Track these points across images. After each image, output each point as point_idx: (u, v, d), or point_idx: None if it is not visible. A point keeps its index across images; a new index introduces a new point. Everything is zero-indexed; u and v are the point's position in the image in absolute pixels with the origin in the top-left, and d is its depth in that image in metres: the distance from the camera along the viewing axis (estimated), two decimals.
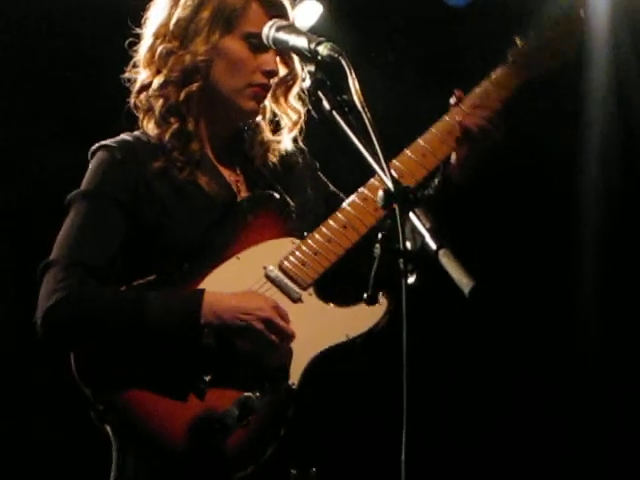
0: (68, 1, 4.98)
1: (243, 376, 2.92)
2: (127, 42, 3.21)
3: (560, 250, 5.72)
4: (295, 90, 3.23)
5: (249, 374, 2.93)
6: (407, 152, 3.15)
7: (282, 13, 3.11)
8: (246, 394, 2.89)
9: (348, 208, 3.09)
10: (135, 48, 3.20)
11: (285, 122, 3.26)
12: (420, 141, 3.17)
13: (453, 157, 3.17)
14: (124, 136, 3.15)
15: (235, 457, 2.87)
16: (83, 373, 2.92)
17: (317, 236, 3.06)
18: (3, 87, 5.03)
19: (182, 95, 3.10)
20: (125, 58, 3.23)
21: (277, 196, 3.15)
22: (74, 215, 3.04)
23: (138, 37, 3.21)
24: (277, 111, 3.25)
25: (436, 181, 3.19)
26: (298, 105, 3.24)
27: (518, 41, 3.27)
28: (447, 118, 3.19)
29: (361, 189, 3.10)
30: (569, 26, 3.29)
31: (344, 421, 5.36)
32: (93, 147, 3.13)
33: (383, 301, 3.00)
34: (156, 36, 3.14)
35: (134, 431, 2.90)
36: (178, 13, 3.11)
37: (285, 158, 3.29)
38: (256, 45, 3.08)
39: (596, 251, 5.70)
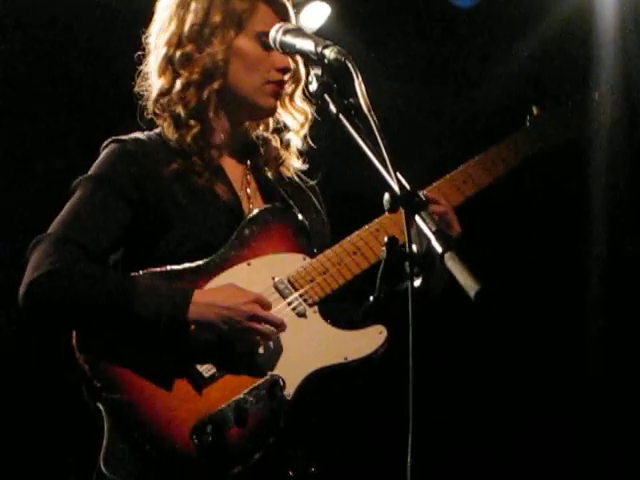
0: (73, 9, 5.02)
1: (241, 376, 2.95)
2: (136, 55, 3.25)
3: (567, 247, 5.72)
4: (300, 90, 3.26)
5: (248, 374, 2.96)
6: (446, 179, 3.24)
7: (287, 12, 3.19)
8: (242, 396, 2.93)
9: (360, 236, 3.15)
10: (141, 61, 3.25)
11: (292, 124, 3.28)
12: (451, 175, 3.27)
13: None
14: (136, 134, 3.18)
15: (224, 456, 2.90)
16: (84, 346, 2.93)
17: (328, 257, 3.12)
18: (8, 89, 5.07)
19: (205, 95, 3.14)
20: (127, 61, 3.28)
21: (293, 211, 3.19)
22: (77, 197, 3.06)
23: (143, 50, 3.25)
24: (283, 113, 3.27)
25: None
26: (304, 105, 3.27)
27: (535, 109, 3.39)
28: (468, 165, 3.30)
29: (375, 220, 3.16)
30: (584, 103, 3.42)
31: (344, 420, 5.36)
32: (106, 141, 3.16)
33: (383, 331, 3.07)
34: (169, 44, 3.17)
35: (128, 415, 2.90)
36: (190, 19, 3.15)
37: (296, 178, 3.33)
38: (267, 43, 3.10)
39: (604, 254, 5.71)
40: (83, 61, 5.11)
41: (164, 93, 3.18)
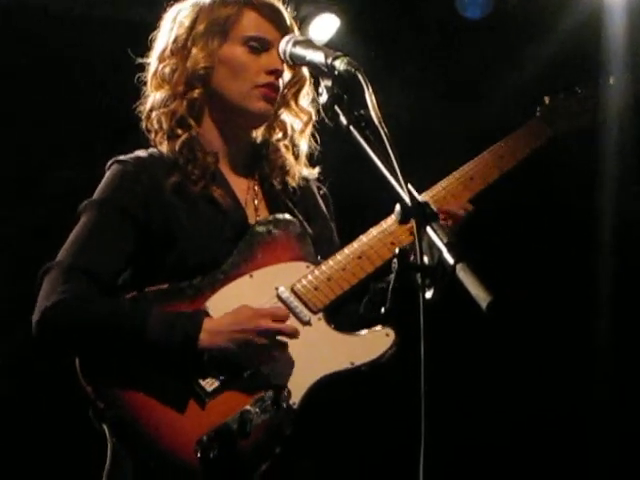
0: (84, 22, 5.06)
1: (247, 388, 2.94)
2: (137, 77, 3.26)
3: (576, 259, 5.73)
4: (304, 92, 3.26)
5: (252, 386, 2.94)
6: (454, 176, 3.24)
7: (277, 15, 3.17)
8: (246, 408, 2.91)
9: (365, 239, 3.13)
10: (144, 80, 3.26)
11: (297, 125, 3.28)
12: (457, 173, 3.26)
13: None
14: (138, 152, 3.18)
15: (231, 468, 2.88)
16: (86, 369, 2.92)
17: (331, 263, 3.09)
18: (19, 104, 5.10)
19: (184, 103, 3.14)
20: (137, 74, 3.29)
21: (297, 221, 3.18)
22: (82, 223, 3.06)
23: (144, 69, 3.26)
24: (289, 115, 3.26)
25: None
26: (308, 107, 3.26)
27: (547, 99, 3.39)
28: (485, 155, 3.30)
29: (380, 222, 3.14)
30: (597, 91, 3.41)
31: (352, 429, 5.36)
32: (109, 162, 3.16)
33: (391, 333, 3.04)
34: (159, 59, 3.20)
35: (132, 433, 2.89)
36: (175, 32, 3.17)
37: (305, 185, 3.32)
38: (256, 47, 3.12)
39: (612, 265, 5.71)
40: (96, 75, 5.14)
41: (153, 108, 3.19)
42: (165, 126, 3.16)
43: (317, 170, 3.34)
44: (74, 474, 5.03)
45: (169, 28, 3.21)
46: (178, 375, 2.90)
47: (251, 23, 3.14)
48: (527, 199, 5.62)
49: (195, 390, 2.91)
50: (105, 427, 2.93)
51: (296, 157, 3.28)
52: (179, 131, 3.15)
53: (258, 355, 2.93)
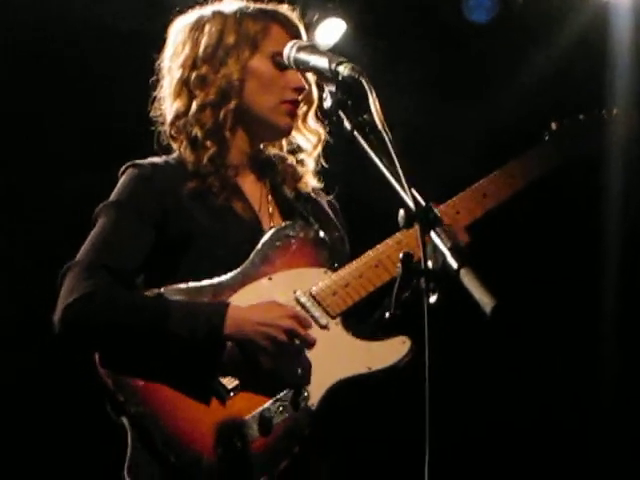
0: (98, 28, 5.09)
1: (266, 386, 2.97)
2: (150, 81, 3.28)
3: (582, 260, 5.73)
4: (312, 112, 3.28)
5: (272, 385, 2.97)
6: (467, 192, 3.26)
7: (298, 32, 3.22)
8: (266, 406, 2.95)
9: (381, 249, 3.17)
10: (155, 84, 3.27)
11: (305, 145, 3.31)
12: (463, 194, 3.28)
13: None
14: (153, 158, 3.21)
15: (250, 465, 2.91)
16: (106, 362, 2.94)
17: (348, 270, 3.14)
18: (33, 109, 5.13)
19: (221, 115, 3.16)
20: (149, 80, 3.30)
21: (313, 227, 3.22)
22: (101, 224, 3.09)
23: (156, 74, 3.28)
24: (296, 135, 3.30)
25: None
26: (317, 127, 3.29)
27: (553, 125, 3.42)
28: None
29: (396, 234, 3.17)
30: (602, 121, 3.45)
31: (368, 431, 5.37)
32: (124, 166, 3.19)
33: (407, 341, 3.08)
34: (184, 67, 3.20)
35: (152, 427, 2.91)
36: (204, 41, 3.18)
37: (314, 195, 3.36)
38: (282, 63, 3.12)
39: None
40: (99, 85, 5.16)
41: (180, 115, 3.20)
42: (195, 135, 3.17)
43: (322, 180, 3.37)
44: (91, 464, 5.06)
45: (192, 36, 3.21)
46: (199, 367, 2.92)
47: (278, 39, 3.17)
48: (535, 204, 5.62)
49: (215, 387, 2.93)
50: (124, 420, 2.94)
51: (302, 165, 3.32)
52: (208, 143, 3.17)
53: (279, 353, 2.96)
